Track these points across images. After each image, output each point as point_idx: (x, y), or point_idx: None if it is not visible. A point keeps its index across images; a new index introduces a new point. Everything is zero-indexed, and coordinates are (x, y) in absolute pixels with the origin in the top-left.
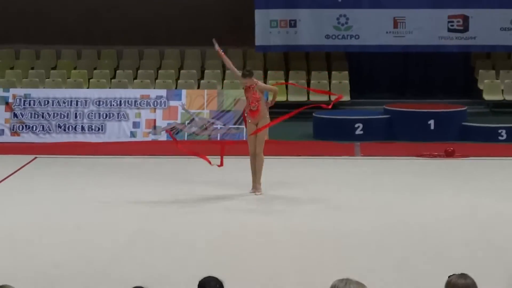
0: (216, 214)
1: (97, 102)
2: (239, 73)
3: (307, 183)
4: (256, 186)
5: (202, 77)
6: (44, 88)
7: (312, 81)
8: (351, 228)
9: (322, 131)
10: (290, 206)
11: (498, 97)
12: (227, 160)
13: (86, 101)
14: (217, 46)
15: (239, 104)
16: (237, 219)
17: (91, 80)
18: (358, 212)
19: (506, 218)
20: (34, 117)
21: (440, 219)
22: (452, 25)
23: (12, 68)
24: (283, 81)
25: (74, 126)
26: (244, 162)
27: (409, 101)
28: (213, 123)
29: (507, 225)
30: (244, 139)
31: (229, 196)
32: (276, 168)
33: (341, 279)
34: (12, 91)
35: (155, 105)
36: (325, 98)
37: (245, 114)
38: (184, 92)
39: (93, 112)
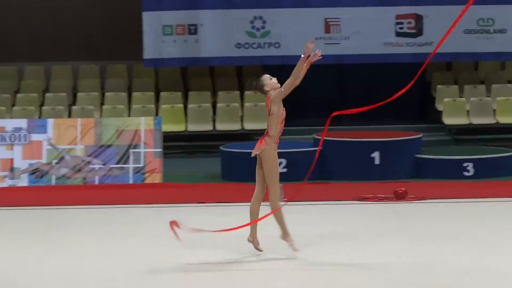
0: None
1: None
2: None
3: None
4: (288, 239)
5: (74, 102)
6: None
7: (219, 105)
8: None
9: (232, 170)
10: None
11: (462, 120)
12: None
13: None
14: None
15: (122, 137)
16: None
17: None
18: (281, 275)
19: (471, 276)
20: None
21: (388, 279)
22: (401, 28)
23: None
24: (182, 105)
25: None
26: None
27: (347, 128)
28: (89, 163)
29: (470, 284)
30: (131, 182)
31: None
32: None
33: None
34: None
35: (12, 140)
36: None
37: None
38: (50, 122)
39: None
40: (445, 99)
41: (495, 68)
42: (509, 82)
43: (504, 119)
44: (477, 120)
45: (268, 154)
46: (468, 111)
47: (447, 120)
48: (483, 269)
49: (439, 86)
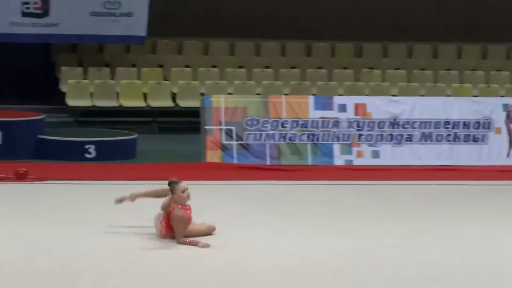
0: None
1: None
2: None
3: None
4: None
5: None
6: None
7: None
8: None
9: None
10: None
11: (85, 102)
12: None
13: None
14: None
15: None
16: None
17: None
18: None
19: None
20: None
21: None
22: (28, 8)
23: None
24: None
25: None
26: None
27: None
28: None
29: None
30: None
31: None
32: None
33: None
34: None
35: None
36: None
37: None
38: None
39: None
40: (69, 81)
41: (120, 51)
42: (133, 65)
43: (127, 102)
44: (100, 103)
45: None
46: (92, 93)
47: (71, 101)
48: None
49: (63, 68)
